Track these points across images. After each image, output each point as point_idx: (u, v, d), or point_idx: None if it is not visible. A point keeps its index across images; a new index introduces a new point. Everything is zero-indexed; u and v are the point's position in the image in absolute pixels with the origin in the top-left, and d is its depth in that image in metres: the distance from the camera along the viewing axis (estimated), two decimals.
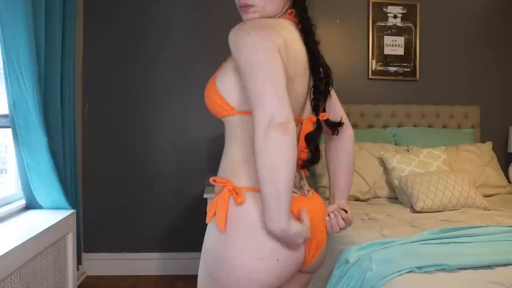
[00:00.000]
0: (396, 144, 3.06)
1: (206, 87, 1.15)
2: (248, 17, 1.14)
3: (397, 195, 2.66)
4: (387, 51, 3.33)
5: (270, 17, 1.15)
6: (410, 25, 3.34)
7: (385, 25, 3.33)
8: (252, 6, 1.12)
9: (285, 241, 1.01)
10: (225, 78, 1.11)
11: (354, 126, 3.22)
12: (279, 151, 0.93)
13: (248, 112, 1.03)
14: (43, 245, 1.86)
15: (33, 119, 1.97)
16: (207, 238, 1.10)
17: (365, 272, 1.53)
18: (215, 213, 1.05)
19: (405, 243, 1.68)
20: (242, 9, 1.14)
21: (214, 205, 1.07)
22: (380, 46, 3.33)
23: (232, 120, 1.10)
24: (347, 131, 1.31)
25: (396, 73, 3.35)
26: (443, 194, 2.37)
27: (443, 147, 2.87)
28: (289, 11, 1.18)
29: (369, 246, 1.70)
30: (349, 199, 2.63)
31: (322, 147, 1.23)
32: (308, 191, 1.22)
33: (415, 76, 3.37)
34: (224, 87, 1.10)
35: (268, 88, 0.96)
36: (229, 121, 1.12)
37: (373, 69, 3.33)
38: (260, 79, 0.97)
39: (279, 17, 1.17)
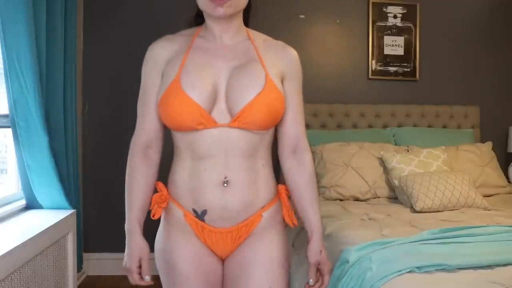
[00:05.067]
0: (396, 144, 3.06)
1: (267, 89, 1.08)
2: (221, 11, 1.06)
3: (397, 195, 2.66)
4: (387, 51, 3.33)
5: (240, 11, 1.13)
6: (410, 25, 3.34)
7: (385, 25, 3.32)
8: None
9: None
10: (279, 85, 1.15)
11: (354, 126, 3.23)
12: None
13: None
14: (43, 245, 1.86)
15: (34, 119, 1.97)
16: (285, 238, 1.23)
17: (365, 272, 1.53)
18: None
19: (405, 243, 1.68)
20: (217, 2, 1.05)
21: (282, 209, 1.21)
22: (380, 46, 3.33)
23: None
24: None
25: (396, 73, 3.35)
26: (443, 194, 2.37)
27: (443, 147, 2.87)
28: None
29: (369, 246, 1.70)
30: (348, 199, 2.68)
31: None
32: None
33: (415, 76, 3.37)
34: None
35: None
36: (271, 130, 1.16)
37: (373, 69, 3.33)
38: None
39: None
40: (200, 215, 1.13)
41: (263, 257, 1.16)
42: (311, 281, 1.19)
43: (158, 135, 1.20)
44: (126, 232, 1.16)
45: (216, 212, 1.12)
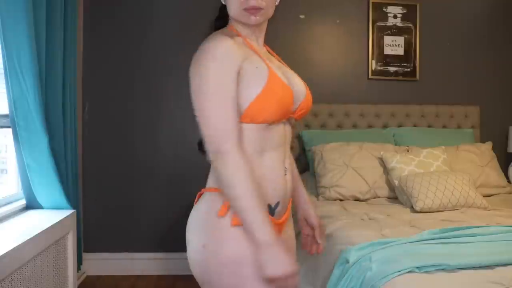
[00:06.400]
0: (396, 144, 3.06)
1: (307, 88, 1.25)
2: (254, 20, 1.14)
3: (397, 195, 2.66)
4: (387, 51, 3.33)
5: (267, 20, 1.22)
6: (410, 25, 3.35)
7: (385, 25, 3.33)
8: (261, 9, 1.13)
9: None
10: None
11: (354, 126, 3.23)
12: None
13: None
14: (43, 245, 1.86)
15: (34, 119, 1.97)
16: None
17: (365, 272, 1.53)
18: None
19: (405, 243, 1.68)
20: (250, 11, 1.12)
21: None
22: (380, 46, 3.33)
23: None
24: None
25: (396, 73, 3.35)
26: (443, 194, 2.37)
27: (443, 147, 2.87)
28: None
29: (369, 246, 1.70)
30: (348, 199, 2.68)
31: None
32: None
33: (415, 76, 3.37)
34: None
35: None
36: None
37: (373, 69, 3.33)
38: None
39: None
40: (273, 209, 1.15)
41: (291, 240, 1.27)
42: (321, 241, 1.34)
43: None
44: (267, 244, 0.99)
45: (283, 202, 1.18)
